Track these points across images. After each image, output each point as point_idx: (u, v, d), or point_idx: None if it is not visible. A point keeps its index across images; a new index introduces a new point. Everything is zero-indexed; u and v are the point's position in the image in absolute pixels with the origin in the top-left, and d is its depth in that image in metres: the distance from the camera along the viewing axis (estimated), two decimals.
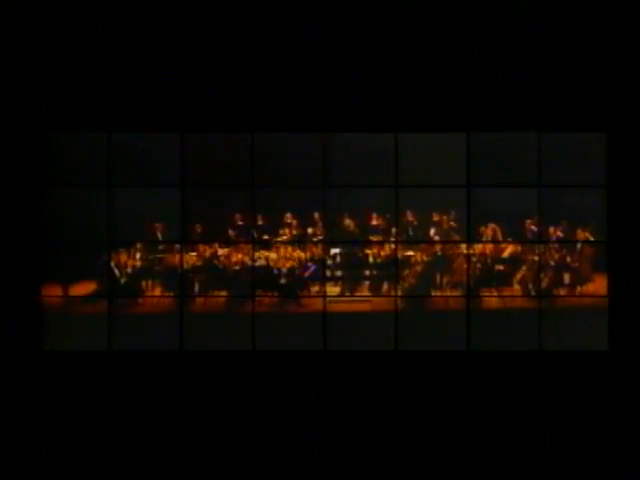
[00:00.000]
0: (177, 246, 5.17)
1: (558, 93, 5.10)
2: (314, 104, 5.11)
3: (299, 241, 5.20)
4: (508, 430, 5.04)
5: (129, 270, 5.17)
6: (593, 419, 5.04)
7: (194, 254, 5.17)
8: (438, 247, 5.18)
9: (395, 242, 5.19)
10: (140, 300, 5.17)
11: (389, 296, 5.16)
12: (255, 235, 5.18)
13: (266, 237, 5.19)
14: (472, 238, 5.19)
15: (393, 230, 5.18)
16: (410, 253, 5.17)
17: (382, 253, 5.18)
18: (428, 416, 5.05)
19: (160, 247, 5.18)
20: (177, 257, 5.17)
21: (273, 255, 5.19)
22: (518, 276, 5.18)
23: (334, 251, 5.19)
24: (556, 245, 5.17)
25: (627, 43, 5.08)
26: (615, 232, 5.11)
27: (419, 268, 5.17)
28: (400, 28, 5.10)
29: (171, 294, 5.16)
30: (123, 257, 5.17)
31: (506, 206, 5.16)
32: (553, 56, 5.10)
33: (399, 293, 5.17)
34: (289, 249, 5.19)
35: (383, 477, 5.01)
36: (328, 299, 5.17)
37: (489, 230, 5.17)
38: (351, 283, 5.19)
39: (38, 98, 5.09)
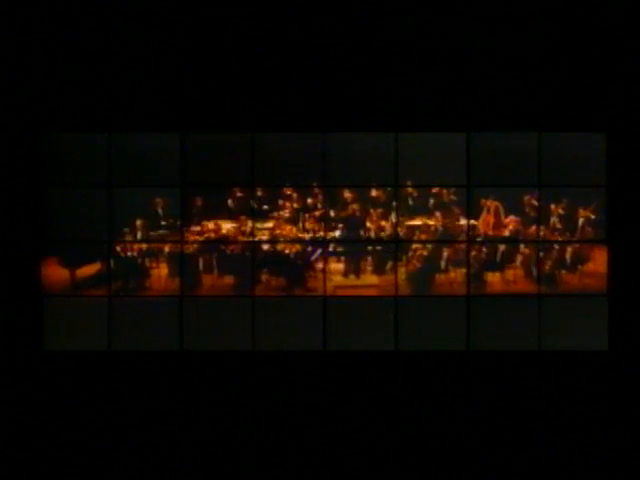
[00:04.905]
0: (179, 223, 5.19)
1: (558, 93, 5.11)
2: (314, 104, 5.11)
3: (293, 239, 5.21)
4: (508, 430, 5.04)
5: (134, 254, 5.18)
6: (593, 419, 5.04)
7: (198, 228, 5.18)
8: (440, 225, 5.18)
9: (395, 242, 5.20)
10: (140, 299, 5.18)
11: (389, 296, 5.16)
12: (255, 206, 5.18)
13: (266, 207, 5.19)
14: (472, 233, 5.21)
15: (394, 204, 5.19)
16: (415, 222, 5.16)
17: (384, 225, 5.18)
18: (427, 416, 5.06)
19: (163, 223, 5.19)
20: (180, 238, 5.18)
21: (277, 232, 5.19)
22: (520, 257, 5.18)
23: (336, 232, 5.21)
24: (557, 224, 5.17)
25: (627, 43, 5.08)
26: (615, 232, 5.11)
27: (423, 251, 5.17)
28: (400, 28, 5.10)
29: (171, 293, 5.17)
30: (128, 241, 5.17)
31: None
32: (553, 56, 5.10)
33: (403, 276, 5.17)
34: (288, 227, 5.19)
35: (383, 477, 5.01)
36: (333, 284, 5.18)
37: (490, 203, 5.17)
38: (355, 260, 5.19)
39: (38, 98, 5.09)
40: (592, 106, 5.10)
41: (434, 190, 5.21)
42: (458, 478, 5.01)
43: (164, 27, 5.10)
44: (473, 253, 5.18)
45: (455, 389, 5.07)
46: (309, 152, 5.18)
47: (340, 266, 5.19)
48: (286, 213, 5.20)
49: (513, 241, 5.19)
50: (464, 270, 5.17)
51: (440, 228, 5.18)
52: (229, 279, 5.19)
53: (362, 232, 5.21)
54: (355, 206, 5.21)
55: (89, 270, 5.17)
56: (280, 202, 5.20)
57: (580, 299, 5.14)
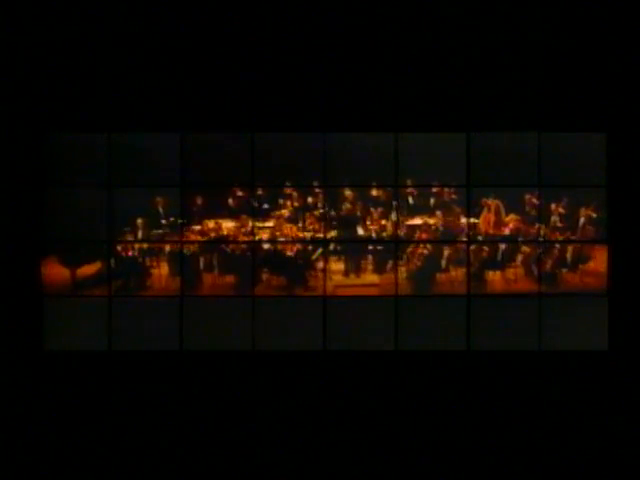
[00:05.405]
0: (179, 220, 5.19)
1: (558, 93, 5.11)
2: (314, 104, 5.12)
3: (295, 240, 5.21)
4: (508, 430, 5.04)
5: (135, 253, 5.18)
6: (593, 419, 5.04)
7: (199, 228, 5.18)
8: (440, 224, 5.18)
9: (395, 241, 5.20)
10: (140, 299, 5.17)
11: (388, 296, 5.16)
12: (256, 205, 5.18)
13: (266, 206, 5.19)
14: (473, 232, 5.21)
15: (394, 203, 5.19)
16: (414, 222, 5.17)
17: (384, 224, 5.19)
18: (427, 416, 5.06)
19: (163, 223, 5.19)
20: (180, 237, 5.18)
21: (277, 232, 5.19)
22: (520, 256, 5.19)
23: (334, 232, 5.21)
24: (557, 223, 5.17)
25: (627, 43, 5.09)
26: (615, 231, 5.11)
27: (424, 250, 5.18)
28: (400, 28, 5.11)
29: (172, 293, 5.17)
30: (128, 241, 5.17)
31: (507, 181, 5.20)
32: (553, 56, 5.11)
33: (404, 276, 5.17)
34: (289, 226, 5.19)
35: (383, 477, 5.01)
36: (333, 283, 5.18)
37: (490, 202, 5.17)
38: (355, 260, 5.19)
39: (38, 98, 5.10)
40: (592, 106, 5.11)
41: (434, 189, 5.21)
42: (458, 478, 5.01)
43: (164, 27, 5.10)
44: (472, 247, 5.18)
45: (455, 389, 5.07)
46: (309, 152, 5.18)
47: (340, 265, 5.19)
48: (286, 212, 5.21)
49: (514, 240, 5.19)
50: (464, 269, 5.17)
51: (441, 227, 5.18)
52: (229, 278, 5.19)
53: (362, 231, 5.21)
54: (355, 205, 5.21)
55: (89, 270, 5.17)
56: (280, 201, 5.21)
57: (580, 299, 5.14)
